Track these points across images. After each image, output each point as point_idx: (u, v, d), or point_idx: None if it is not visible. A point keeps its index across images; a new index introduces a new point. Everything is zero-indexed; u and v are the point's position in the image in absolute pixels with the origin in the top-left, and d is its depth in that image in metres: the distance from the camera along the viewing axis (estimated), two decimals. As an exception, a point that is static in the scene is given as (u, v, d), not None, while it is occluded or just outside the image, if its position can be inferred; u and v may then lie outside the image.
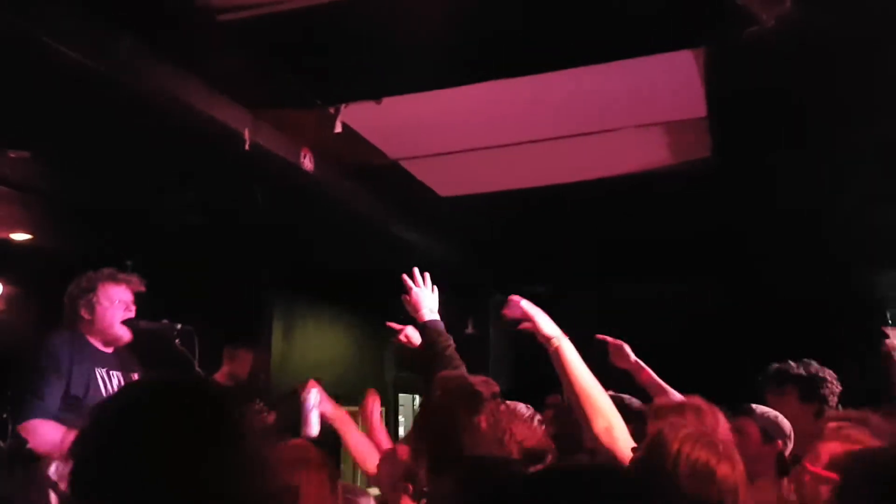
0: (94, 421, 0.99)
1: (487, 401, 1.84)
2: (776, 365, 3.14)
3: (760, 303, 6.20)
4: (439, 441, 1.80)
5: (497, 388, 1.93)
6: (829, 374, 3.05)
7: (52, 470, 2.38)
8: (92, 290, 2.95)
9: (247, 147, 3.29)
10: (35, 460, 2.50)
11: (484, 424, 1.80)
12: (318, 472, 1.85)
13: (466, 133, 3.80)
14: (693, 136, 3.78)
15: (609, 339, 3.00)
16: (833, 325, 5.74)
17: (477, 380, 1.93)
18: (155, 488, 0.91)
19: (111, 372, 2.93)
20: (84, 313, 2.94)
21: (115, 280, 3.00)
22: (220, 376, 5.00)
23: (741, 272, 6.21)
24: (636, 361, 2.92)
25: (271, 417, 5.22)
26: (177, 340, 2.93)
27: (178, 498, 0.91)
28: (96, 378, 2.86)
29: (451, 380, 1.95)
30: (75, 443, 0.97)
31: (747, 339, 6.01)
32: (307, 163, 3.81)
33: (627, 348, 2.96)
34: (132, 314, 3.00)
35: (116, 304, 2.96)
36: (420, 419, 1.96)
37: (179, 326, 2.95)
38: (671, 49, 2.99)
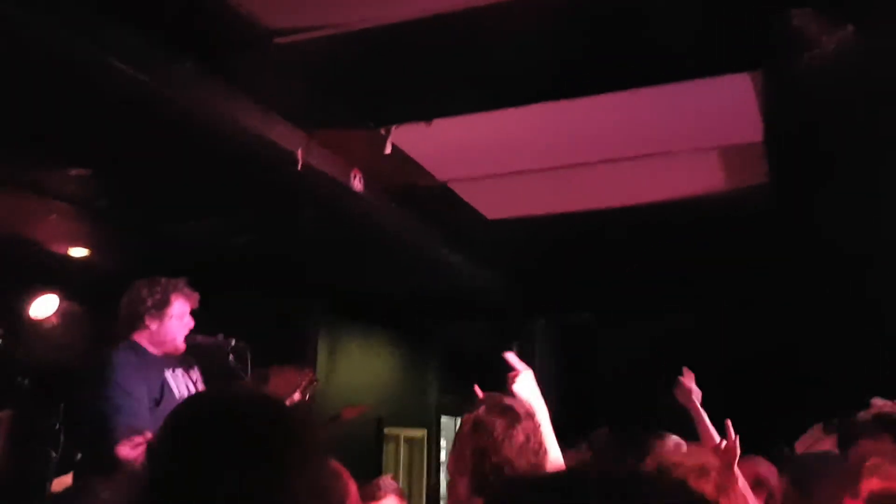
0: (171, 429, 0.99)
1: (524, 416, 1.98)
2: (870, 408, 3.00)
3: (814, 336, 6.00)
4: (481, 454, 1.91)
5: (532, 409, 2.06)
6: None
7: None
8: (167, 303, 2.93)
9: (299, 167, 3.32)
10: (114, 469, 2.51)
11: (521, 437, 1.93)
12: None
13: (516, 155, 3.79)
14: (748, 161, 3.71)
15: (686, 376, 2.93)
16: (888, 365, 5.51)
17: (513, 401, 2.07)
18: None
19: (176, 370, 2.94)
20: (151, 323, 2.92)
21: (185, 294, 3.00)
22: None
23: (795, 304, 6.03)
24: (695, 405, 2.85)
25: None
26: (231, 356, 2.96)
27: None
28: (168, 379, 2.87)
29: (491, 398, 2.07)
30: (151, 450, 0.97)
31: (798, 373, 5.82)
32: (357, 184, 3.83)
33: (695, 391, 2.89)
34: (190, 328, 3.01)
35: (182, 318, 2.98)
36: (462, 434, 2.03)
37: (234, 342, 2.98)
38: (728, 72, 2.95)
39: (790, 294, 5.89)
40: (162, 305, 2.93)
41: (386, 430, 6.96)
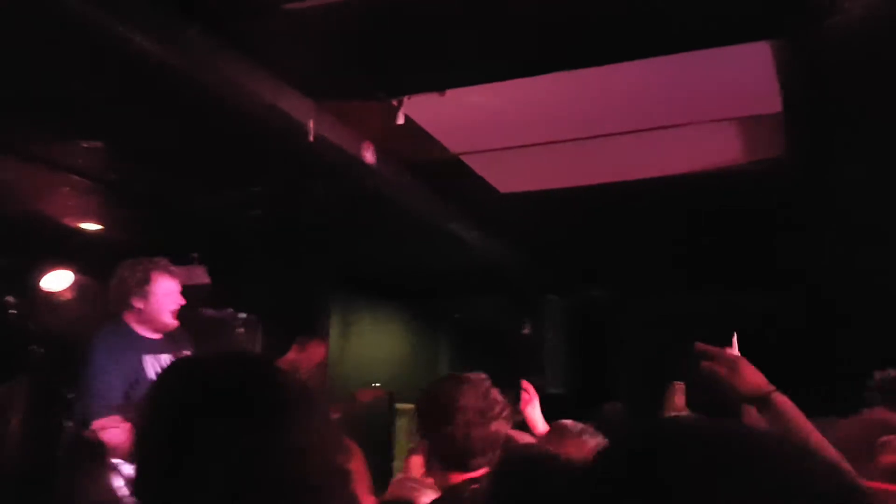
0: (150, 398, 0.98)
1: (476, 382, 1.98)
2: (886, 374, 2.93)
3: (832, 311, 5.93)
4: (432, 423, 1.93)
5: (484, 375, 2.05)
6: None
7: (126, 470, 2.40)
8: (147, 281, 2.97)
9: (310, 139, 3.29)
10: (103, 454, 2.54)
11: (473, 401, 1.92)
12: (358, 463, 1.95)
13: (530, 127, 3.73)
14: (766, 133, 3.64)
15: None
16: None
17: (473, 375, 2.05)
18: (212, 465, 0.87)
19: (160, 356, 2.96)
20: (136, 303, 2.96)
21: (168, 272, 3.02)
22: (282, 364, 5.01)
23: (813, 280, 5.96)
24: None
25: (336, 415, 5.14)
26: (240, 329, 2.96)
27: (236, 471, 0.87)
28: (145, 365, 2.89)
29: (449, 375, 2.10)
30: (137, 417, 0.96)
31: (815, 352, 5.76)
32: (368, 156, 3.80)
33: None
34: (181, 304, 3.03)
35: (169, 295, 2.99)
36: (415, 408, 2.07)
37: (243, 316, 2.98)
38: (746, 39, 2.87)
39: (809, 269, 5.82)
40: (143, 284, 2.97)
41: (398, 406, 6.98)
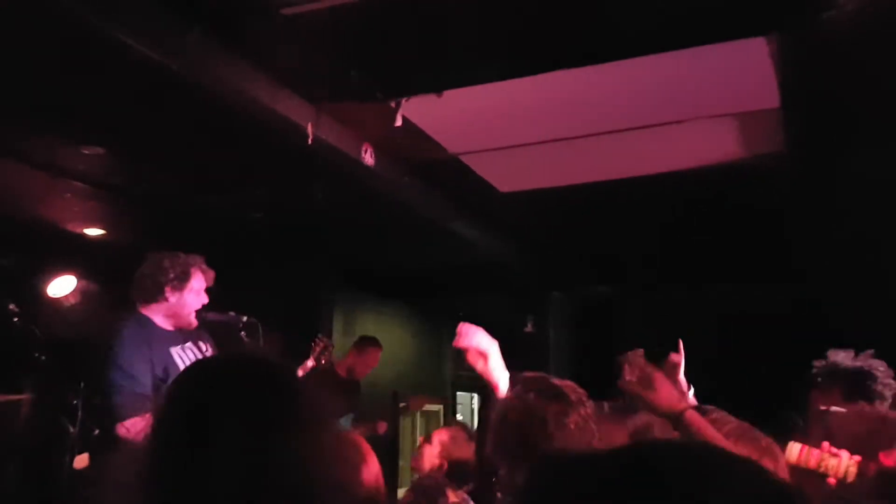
0: (171, 396, 0.99)
1: (576, 402, 1.82)
2: (826, 360, 2.88)
3: (832, 305, 5.92)
4: (529, 442, 1.75)
5: (583, 393, 1.88)
6: (881, 369, 2.65)
7: None
8: (187, 275, 2.96)
9: (310, 141, 3.30)
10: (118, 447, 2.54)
11: (573, 425, 1.76)
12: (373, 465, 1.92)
13: (528, 126, 3.74)
14: (764, 128, 3.64)
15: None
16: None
17: (563, 383, 1.88)
18: (222, 465, 0.89)
19: (185, 346, 2.96)
20: (170, 296, 2.94)
21: (202, 270, 3.03)
22: (340, 369, 5.01)
23: (813, 275, 5.95)
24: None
25: (382, 427, 5.02)
26: (242, 332, 2.98)
27: (244, 474, 0.89)
28: (173, 357, 2.89)
29: (538, 380, 1.89)
30: (154, 419, 0.97)
31: (812, 348, 5.75)
32: (368, 158, 3.81)
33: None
34: (203, 304, 3.03)
35: (199, 293, 3.01)
36: (506, 420, 1.85)
37: (245, 319, 3.00)
38: (743, 35, 2.88)
39: (808, 264, 5.82)
40: (183, 278, 2.97)
41: (402, 404, 7.00)
